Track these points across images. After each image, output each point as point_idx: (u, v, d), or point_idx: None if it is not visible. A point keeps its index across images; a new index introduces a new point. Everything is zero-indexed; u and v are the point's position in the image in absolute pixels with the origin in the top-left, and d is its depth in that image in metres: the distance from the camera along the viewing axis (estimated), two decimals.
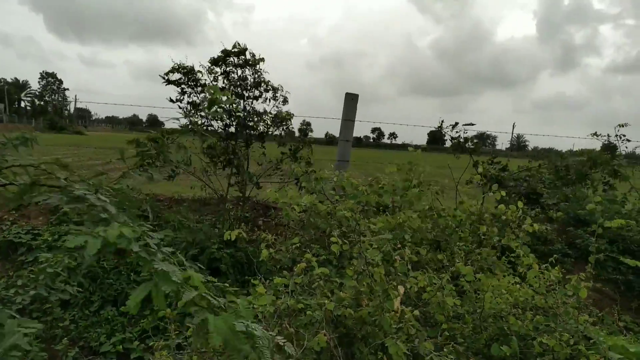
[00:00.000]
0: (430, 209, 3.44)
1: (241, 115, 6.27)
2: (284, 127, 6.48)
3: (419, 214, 3.33)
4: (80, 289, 5.10)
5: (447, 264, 2.99)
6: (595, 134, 6.54)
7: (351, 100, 6.51)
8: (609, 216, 5.92)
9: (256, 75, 6.27)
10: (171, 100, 6.27)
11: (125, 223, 1.95)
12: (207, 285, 2.00)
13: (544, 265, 3.00)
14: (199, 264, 1.83)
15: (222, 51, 6.09)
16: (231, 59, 6.12)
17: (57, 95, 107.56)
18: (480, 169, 4.60)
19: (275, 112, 6.44)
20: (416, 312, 2.07)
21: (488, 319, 2.60)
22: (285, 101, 6.48)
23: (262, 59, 6.18)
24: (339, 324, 2.13)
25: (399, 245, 2.77)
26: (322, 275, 2.33)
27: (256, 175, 6.33)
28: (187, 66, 6.15)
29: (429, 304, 2.51)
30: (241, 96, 6.29)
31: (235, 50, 6.07)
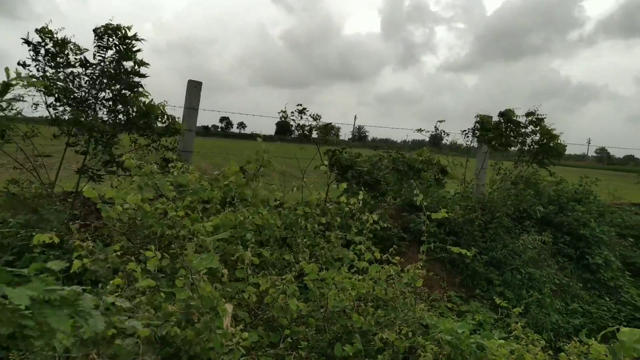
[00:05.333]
0: (278, 205, 3.29)
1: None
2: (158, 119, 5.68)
3: (268, 209, 3.15)
4: None
5: (293, 260, 2.87)
6: (420, 129, 7.21)
7: (194, 88, 6.15)
8: (436, 202, 6.51)
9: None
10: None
11: None
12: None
13: (385, 256, 3.07)
14: None
15: (105, 26, 5.09)
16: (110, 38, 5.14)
17: None
18: (325, 161, 4.61)
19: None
20: (245, 335, 1.87)
21: (332, 318, 2.54)
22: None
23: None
24: (166, 344, 1.84)
25: (240, 247, 2.56)
26: (146, 288, 2.00)
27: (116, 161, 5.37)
28: (59, 38, 4.99)
29: (272, 308, 2.36)
30: (114, 77, 5.31)
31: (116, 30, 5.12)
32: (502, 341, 2.57)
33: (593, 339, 2.41)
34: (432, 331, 2.56)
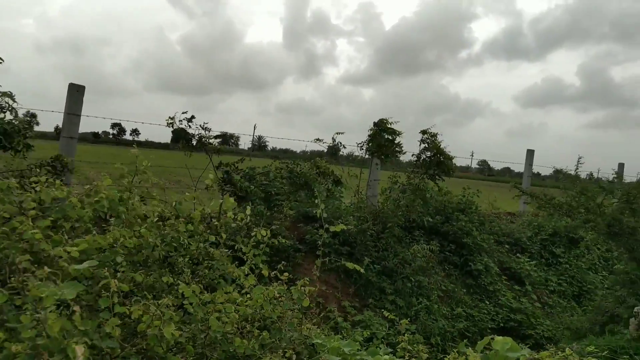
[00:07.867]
0: (160, 219, 3.04)
1: None
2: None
3: (146, 226, 2.88)
4: None
5: (172, 282, 2.66)
6: (318, 139, 7.32)
7: (76, 92, 5.73)
8: (331, 212, 6.55)
9: None
10: None
11: None
12: None
13: (274, 273, 2.97)
14: None
15: None
16: None
17: None
18: (218, 174, 4.42)
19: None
20: None
21: (214, 343, 2.37)
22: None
23: None
24: None
25: (107, 272, 2.30)
26: None
27: None
28: None
29: (145, 336, 2.14)
30: None
31: None
32: (387, 357, 2.58)
33: (471, 349, 2.51)
34: (320, 350, 2.50)
